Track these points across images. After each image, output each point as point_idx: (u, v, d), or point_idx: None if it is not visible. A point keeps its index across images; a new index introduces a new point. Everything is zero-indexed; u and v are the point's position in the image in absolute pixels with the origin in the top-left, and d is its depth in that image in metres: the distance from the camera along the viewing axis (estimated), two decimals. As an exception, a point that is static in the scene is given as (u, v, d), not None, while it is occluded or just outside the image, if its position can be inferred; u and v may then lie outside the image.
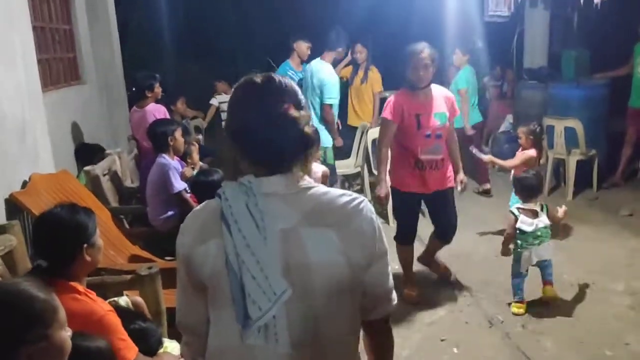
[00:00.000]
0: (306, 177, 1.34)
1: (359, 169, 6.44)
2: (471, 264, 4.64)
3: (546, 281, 3.85)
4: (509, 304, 3.86)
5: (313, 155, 1.36)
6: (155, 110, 4.83)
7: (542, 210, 3.81)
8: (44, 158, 3.87)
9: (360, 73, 6.31)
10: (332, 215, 1.28)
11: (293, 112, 1.30)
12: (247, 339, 1.24)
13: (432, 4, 7.58)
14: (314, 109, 5.10)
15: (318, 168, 3.85)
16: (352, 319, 1.34)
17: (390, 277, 1.42)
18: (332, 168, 5.35)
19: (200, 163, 4.60)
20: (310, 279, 1.25)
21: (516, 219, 3.77)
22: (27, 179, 3.51)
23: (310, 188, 1.32)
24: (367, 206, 1.33)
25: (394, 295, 1.45)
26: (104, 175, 4.47)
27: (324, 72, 5.07)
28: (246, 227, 1.24)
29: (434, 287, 4.27)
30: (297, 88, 1.37)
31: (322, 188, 1.33)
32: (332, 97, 5.06)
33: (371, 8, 8.42)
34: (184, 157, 4.27)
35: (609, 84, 6.51)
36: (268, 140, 1.29)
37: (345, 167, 6.48)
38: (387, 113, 3.75)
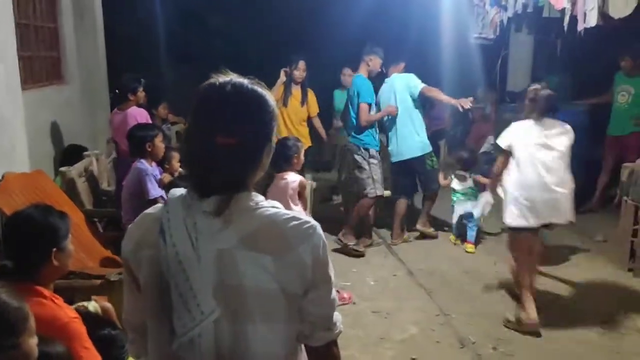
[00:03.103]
0: (258, 195, 1.30)
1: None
2: (444, 283, 4.66)
3: (467, 240, 5.37)
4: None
5: (262, 171, 1.33)
6: (137, 114, 4.78)
7: (469, 176, 5.50)
8: (20, 157, 3.81)
9: (297, 94, 5.76)
10: (273, 240, 1.24)
11: (227, 141, 1.23)
12: (176, 350, 1.23)
13: (419, 24, 7.65)
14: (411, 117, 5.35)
15: (295, 177, 3.79)
16: (286, 343, 1.30)
17: (333, 305, 1.36)
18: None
19: (180, 169, 4.56)
20: (243, 302, 1.23)
21: (451, 180, 5.56)
22: (1, 177, 3.45)
23: (257, 209, 1.27)
24: (317, 232, 1.28)
25: (336, 323, 1.38)
26: (80, 177, 4.42)
27: (411, 79, 5.35)
28: (181, 243, 1.21)
29: (406, 303, 4.26)
30: (242, 105, 1.28)
31: (270, 209, 1.28)
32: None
33: (361, 24, 8.47)
34: (162, 163, 4.22)
35: (589, 111, 6.60)
36: (205, 169, 1.26)
37: (328, 179, 6.50)
38: None
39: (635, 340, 3.74)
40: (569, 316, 4.06)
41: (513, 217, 3.81)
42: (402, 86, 5.31)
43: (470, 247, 5.33)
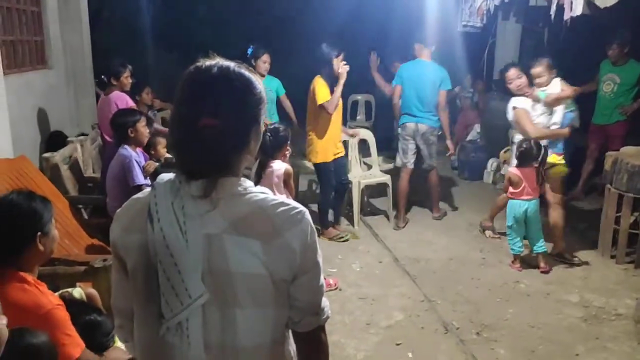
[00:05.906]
0: (247, 181, 1.29)
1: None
2: (429, 269, 4.69)
3: None
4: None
5: (250, 155, 1.31)
6: (118, 99, 4.71)
7: None
8: (3, 143, 3.78)
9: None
10: (262, 225, 1.23)
11: (211, 122, 1.22)
12: (164, 336, 1.23)
13: (407, 11, 7.63)
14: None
15: (280, 165, 3.77)
16: (274, 328, 1.30)
17: (321, 291, 1.36)
18: None
19: (167, 155, 4.52)
20: (231, 287, 1.23)
21: None
22: (-17, 164, 3.41)
23: (246, 194, 1.27)
24: (305, 218, 1.28)
25: (324, 309, 1.39)
26: (65, 163, 4.38)
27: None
28: (168, 228, 1.20)
29: (392, 290, 4.29)
30: (231, 87, 1.26)
31: (259, 195, 1.27)
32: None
33: (348, 10, 8.43)
34: (148, 148, 4.18)
35: (575, 100, 6.63)
36: (190, 152, 1.25)
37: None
38: None
39: (614, 325, 3.80)
40: (554, 303, 4.12)
41: None
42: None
43: None
